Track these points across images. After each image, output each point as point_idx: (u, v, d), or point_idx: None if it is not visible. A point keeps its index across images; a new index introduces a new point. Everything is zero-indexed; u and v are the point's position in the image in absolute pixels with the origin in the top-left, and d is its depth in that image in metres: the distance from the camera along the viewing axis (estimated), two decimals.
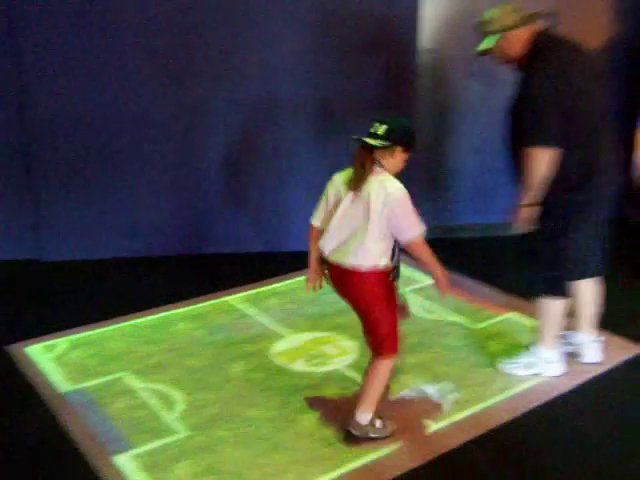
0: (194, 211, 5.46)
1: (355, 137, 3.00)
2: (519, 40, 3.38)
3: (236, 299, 4.67)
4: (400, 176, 3.06)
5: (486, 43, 3.46)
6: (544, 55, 3.30)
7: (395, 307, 3.14)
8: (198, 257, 5.45)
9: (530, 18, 3.41)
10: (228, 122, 5.30)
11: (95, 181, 5.29)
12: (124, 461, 3.00)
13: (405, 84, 5.41)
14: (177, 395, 3.50)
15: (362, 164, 2.98)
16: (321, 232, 3.13)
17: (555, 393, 3.54)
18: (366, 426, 3.14)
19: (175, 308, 4.51)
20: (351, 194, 3.00)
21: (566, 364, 3.74)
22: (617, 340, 4.08)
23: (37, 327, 4.24)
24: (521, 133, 3.32)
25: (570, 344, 3.85)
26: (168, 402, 3.45)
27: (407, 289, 4.74)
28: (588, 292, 3.75)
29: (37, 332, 4.17)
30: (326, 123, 5.42)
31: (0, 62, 4.99)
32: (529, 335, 3.92)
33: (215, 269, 5.25)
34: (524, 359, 3.72)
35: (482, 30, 3.47)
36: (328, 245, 3.09)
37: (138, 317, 4.39)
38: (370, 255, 2.99)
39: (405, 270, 5.06)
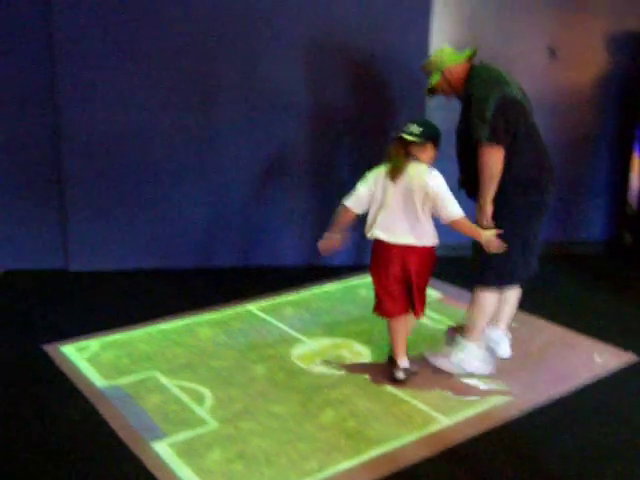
0: (214, 226, 5.77)
1: (394, 134, 3.72)
2: (462, 73, 3.90)
3: (255, 307, 4.97)
4: None
5: (435, 78, 3.95)
6: (480, 75, 3.83)
7: None
8: (216, 270, 5.75)
9: (468, 54, 3.94)
10: (250, 137, 5.62)
11: (120, 195, 5.60)
12: (161, 448, 3.28)
13: (415, 106, 5.74)
14: (206, 392, 3.78)
15: (400, 156, 3.68)
16: (354, 216, 3.85)
17: (557, 395, 3.83)
18: (407, 369, 3.91)
19: (198, 315, 4.81)
20: (394, 183, 3.68)
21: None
22: (610, 349, 4.41)
23: (69, 330, 4.52)
24: (472, 138, 3.72)
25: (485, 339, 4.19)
26: (198, 397, 3.73)
27: None
28: (515, 293, 4.16)
29: (69, 335, 4.46)
30: (343, 141, 5.79)
31: (36, 82, 5.34)
32: (530, 342, 4.21)
33: (233, 281, 5.55)
34: (451, 355, 4.04)
35: (430, 69, 3.98)
36: (386, 231, 3.76)
37: (164, 322, 4.68)
38: (426, 234, 3.74)
39: None
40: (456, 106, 5.90)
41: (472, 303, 4.03)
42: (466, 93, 3.85)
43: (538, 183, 3.81)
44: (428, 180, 3.61)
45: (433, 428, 3.49)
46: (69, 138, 5.42)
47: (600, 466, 3.24)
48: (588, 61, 6.21)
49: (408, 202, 3.66)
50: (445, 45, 4.08)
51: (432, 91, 4.07)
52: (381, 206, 3.74)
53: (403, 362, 3.93)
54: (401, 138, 3.67)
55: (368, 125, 5.75)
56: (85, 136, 5.42)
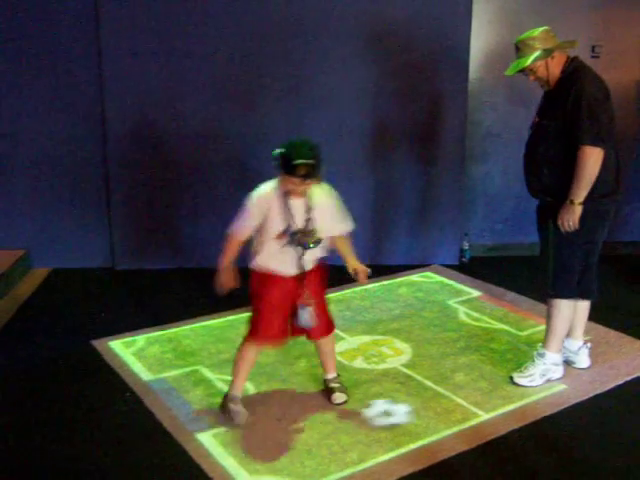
0: None
1: None
2: (561, 62, 3.70)
3: None
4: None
5: (534, 57, 3.65)
6: (584, 72, 3.65)
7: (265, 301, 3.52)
8: None
9: (571, 44, 3.75)
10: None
11: (163, 198, 5.77)
12: (205, 438, 3.38)
13: (456, 109, 5.79)
14: (249, 385, 3.86)
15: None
16: None
17: (598, 392, 3.85)
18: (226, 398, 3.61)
19: (242, 312, 4.87)
20: None
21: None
22: None
23: (116, 326, 4.67)
24: (572, 137, 3.56)
25: (562, 352, 4.07)
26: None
27: (456, 300, 5.15)
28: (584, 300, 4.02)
29: (116, 330, 4.60)
30: (383, 143, 5.85)
31: (85, 92, 5.58)
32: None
33: None
34: (537, 368, 3.93)
35: (531, 45, 3.66)
36: None
37: (208, 319, 4.79)
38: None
39: (453, 283, 5.45)
40: (498, 106, 6.01)
41: (550, 313, 3.90)
42: (565, 87, 3.64)
43: (613, 191, 3.72)
44: None
45: (472, 422, 3.53)
46: (114, 146, 5.61)
47: (638, 463, 3.26)
48: (631, 61, 6.18)
49: None
50: (546, 27, 3.73)
51: (520, 71, 3.75)
52: None
53: None
54: None
55: (407, 128, 5.83)
56: (129, 144, 5.61)
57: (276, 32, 5.53)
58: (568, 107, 3.58)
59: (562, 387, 3.89)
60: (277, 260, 3.46)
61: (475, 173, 6.17)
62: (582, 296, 3.90)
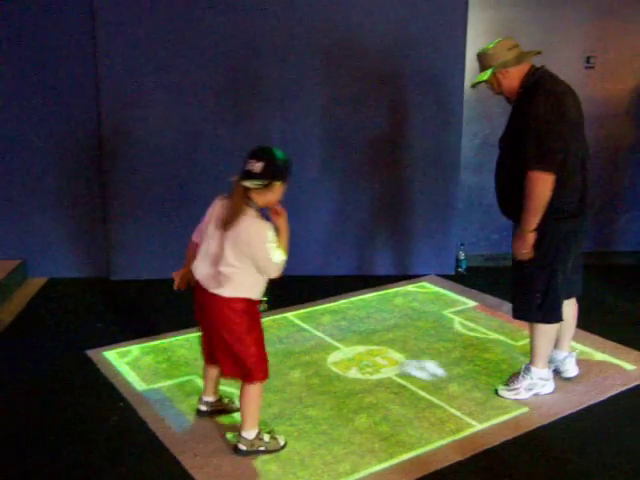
0: None
1: (233, 179, 3.13)
2: (517, 75, 3.62)
3: (293, 315, 5.06)
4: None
5: (486, 75, 3.65)
6: (542, 88, 3.53)
7: (260, 333, 3.35)
8: None
9: (527, 56, 3.65)
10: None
11: (159, 208, 5.78)
12: (198, 449, 3.36)
13: (452, 119, 5.81)
14: None
15: (235, 205, 3.12)
16: (197, 248, 3.37)
17: (590, 403, 3.84)
18: (253, 440, 3.33)
19: None
20: (222, 230, 3.16)
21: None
22: None
23: (111, 336, 4.67)
24: (523, 159, 3.44)
25: (550, 362, 4.03)
26: (236, 401, 3.81)
27: (451, 310, 5.15)
28: (570, 312, 3.95)
29: (111, 341, 4.60)
30: (379, 153, 5.86)
31: (82, 105, 5.60)
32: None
33: (272, 289, 5.62)
34: (523, 383, 3.89)
35: (484, 62, 3.68)
36: (200, 269, 3.30)
37: None
38: (239, 286, 3.19)
39: (449, 293, 5.46)
40: (493, 116, 6.01)
41: (532, 333, 3.84)
42: (523, 102, 3.57)
43: (578, 211, 3.62)
44: (247, 232, 3.10)
45: (466, 433, 3.53)
46: (110, 156, 5.63)
47: (632, 473, 3.25)
48: (625, 72, 6.20)
49: (227, 250, 3.16)
50: (507, 38, 3.70)
51: (479, 83, 3.77)
52: (203, 238, 3.35)
53: (248, 434, 3.35)
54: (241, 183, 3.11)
55: (403, 138, 5.84)
56: (125, 155, 5.64)
57: (269, 45, 5.55)
58: (518, 128, 3.51)
59: (556, 397, 3.88)
60: (262, 285, 3.31)
61: (471, 183, 6.17)
62: (545, 320, 3.78)
